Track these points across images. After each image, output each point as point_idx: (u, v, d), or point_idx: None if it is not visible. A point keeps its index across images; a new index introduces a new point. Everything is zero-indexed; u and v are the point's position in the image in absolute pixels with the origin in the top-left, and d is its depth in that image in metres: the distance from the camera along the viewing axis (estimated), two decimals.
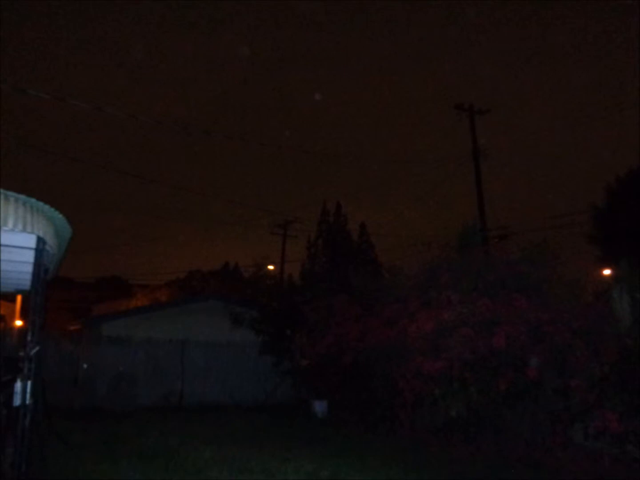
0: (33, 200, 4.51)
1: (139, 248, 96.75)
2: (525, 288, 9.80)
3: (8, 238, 4.91)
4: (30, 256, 5.25)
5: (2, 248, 5.29)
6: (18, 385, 4.93)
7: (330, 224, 23.84)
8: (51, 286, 7.62)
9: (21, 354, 5.16)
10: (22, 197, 4.44)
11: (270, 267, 24.94)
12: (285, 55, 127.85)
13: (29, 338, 4.96)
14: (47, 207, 4.66)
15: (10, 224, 4.35)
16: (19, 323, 21.29)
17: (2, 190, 4.31)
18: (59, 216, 4.90)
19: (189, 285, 32.69)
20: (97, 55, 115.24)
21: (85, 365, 14.54)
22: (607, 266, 19.24)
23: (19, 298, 20.76)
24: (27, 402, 4.91)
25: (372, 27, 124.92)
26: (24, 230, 4.47)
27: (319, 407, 12.93)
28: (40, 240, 4.90)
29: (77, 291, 41.74)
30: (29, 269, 5.60)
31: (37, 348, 5.13)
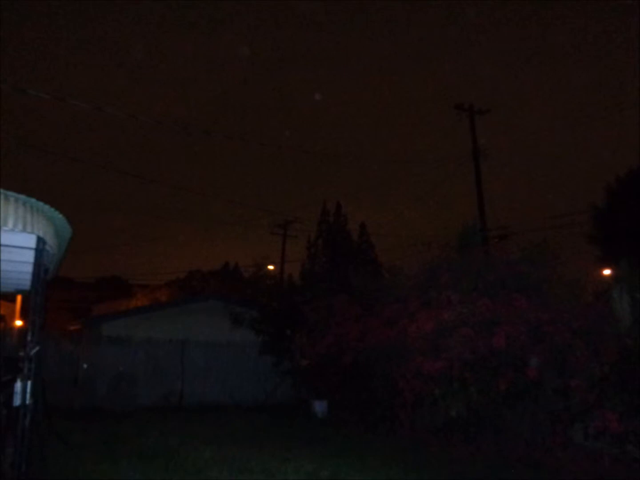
0: (33, 200, 4.51)
1: (139, 248, 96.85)
2: (525, 288, 9.80)
3: (8, 238, 4.91)
4: (30, 256, 5.25)
5: (2, 248, 5.29)
6: (18, 385, 4.92)
7: (330, 224, 23.84)
8: (51, 286, 7.62)
9: (21, 354, 5.16)
10: (22, 197, 4.44)
11: (270, 267, 24.95)
12: (285, 55, 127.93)
13: (29, 338, 4.96)
14: (47, 207, 4.66)
15: (10, 224, 4.34)
16: (19, 323, 21.29)
17: (2, 190, 4.31)
18: (59, 216, 4.90)
19: (189, 285, 32.69)
20: (97, 55, 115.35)
21: (85, 365, 14.54)
22: (607, 266, 19.24)
23: (19, 298, 20.76)
24: (27, 402, 4.91)
25: (372, 27, 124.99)
26: (24, 230, 4.47)
27: (319, 407, 12.93)
28: (40, 240, 4.89)
29: (77, 291, 41.73)
30: (29, 269, 5.59)
31: (37, 348, 5.13)
